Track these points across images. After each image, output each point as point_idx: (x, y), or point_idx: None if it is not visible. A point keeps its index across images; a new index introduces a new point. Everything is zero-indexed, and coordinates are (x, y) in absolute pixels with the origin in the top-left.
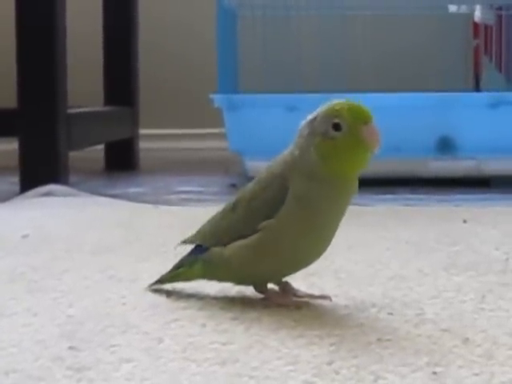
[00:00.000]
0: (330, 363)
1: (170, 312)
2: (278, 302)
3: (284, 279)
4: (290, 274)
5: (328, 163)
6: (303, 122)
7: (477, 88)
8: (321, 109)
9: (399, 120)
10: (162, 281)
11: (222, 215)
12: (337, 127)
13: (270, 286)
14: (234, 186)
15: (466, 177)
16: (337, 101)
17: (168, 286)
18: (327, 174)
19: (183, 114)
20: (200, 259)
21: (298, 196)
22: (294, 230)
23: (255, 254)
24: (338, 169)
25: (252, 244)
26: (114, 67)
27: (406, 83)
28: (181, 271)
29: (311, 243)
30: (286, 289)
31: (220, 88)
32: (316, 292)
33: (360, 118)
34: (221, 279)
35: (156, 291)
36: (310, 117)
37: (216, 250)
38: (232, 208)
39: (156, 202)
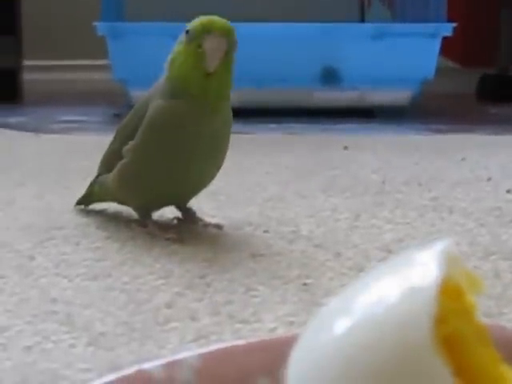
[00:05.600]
0: (202, 277)
1: (44, 232)
2: (159, 236)
3: (188, 205)
4: (168, 202)
5: (172, 68)
6: None
7: (362, 21)
8: None
9: (283, 50)
10: (79, 202)
11: (109, 145)
12: (187, 32)
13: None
14: (117, 115)
15: (351, 107)
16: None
17: (96, 206)
18: (172, 84)
19: (68, 44)
20: (96, 183)
21: (150, 117)
22: (147, 153)
23: (120, 178)
24: (177, 75)
25: (117, 168)
26: None
27: (289, 13)
28: (85, 193)
29: (171, 167)
30: (188, 215)
31: (104, 16)
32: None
33: (207, 26)
34: (112, 201)
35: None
36: None
37: (105, 175)
38: (114, 137)
39: (38, 131)
